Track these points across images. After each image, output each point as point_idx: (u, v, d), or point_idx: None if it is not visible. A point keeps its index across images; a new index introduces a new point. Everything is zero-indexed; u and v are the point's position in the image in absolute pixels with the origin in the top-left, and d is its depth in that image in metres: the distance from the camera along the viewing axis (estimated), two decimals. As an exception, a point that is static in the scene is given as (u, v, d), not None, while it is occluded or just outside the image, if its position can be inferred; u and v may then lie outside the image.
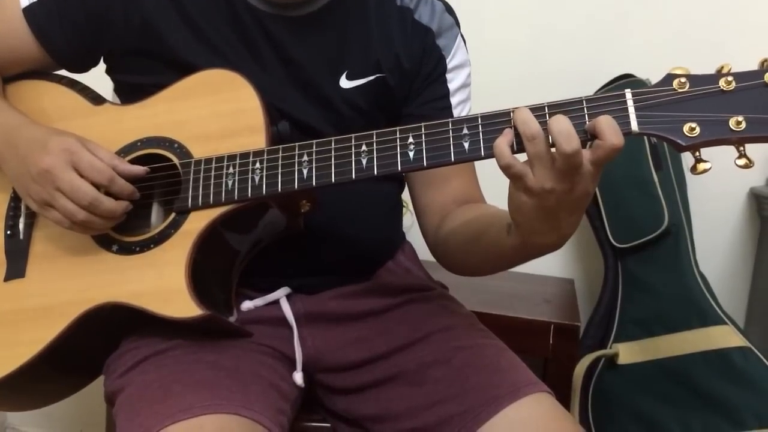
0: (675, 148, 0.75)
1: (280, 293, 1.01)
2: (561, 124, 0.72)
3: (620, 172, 1.56)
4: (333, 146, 0.85)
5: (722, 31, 1.65)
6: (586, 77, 1.63)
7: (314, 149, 0.86)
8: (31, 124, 0.95)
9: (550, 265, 1.73)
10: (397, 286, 1.06)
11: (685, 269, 1.52)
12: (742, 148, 0.74)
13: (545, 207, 0.75)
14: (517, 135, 0.75)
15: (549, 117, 0.74)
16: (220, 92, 0.93)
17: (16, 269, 0.96)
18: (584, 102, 0.76)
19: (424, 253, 1.10)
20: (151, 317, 0.87)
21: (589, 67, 1.67)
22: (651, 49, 1.67)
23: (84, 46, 1.00)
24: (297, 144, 0.87)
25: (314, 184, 0.85)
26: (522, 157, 0.75)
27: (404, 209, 1.16)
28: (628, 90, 0.76)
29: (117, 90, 1.07)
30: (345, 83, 0.99)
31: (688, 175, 1.58)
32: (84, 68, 1.05)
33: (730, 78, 0.73)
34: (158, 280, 0.88)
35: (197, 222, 0.89)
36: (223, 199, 0.89)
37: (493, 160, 0.77)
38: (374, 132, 0.84)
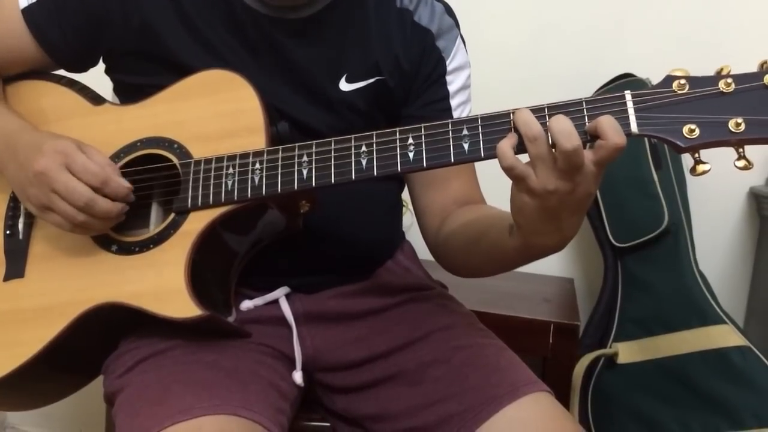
0: (674, 149, 0.75)
1: (280, 293, 1.01)
2: (561, 124, 0.72)
3: (620, 171, 1.56)
4: (333, 147, 0.85)
5: (722, 33, 1.64)
6: (586, 78, 1.63)
7: (314, 150, 0.86)
8: (30, 129, 0.95)
9: (550, 265, 1.73)
10: (396, 285, 1.06)
11: (685, 269, 1.52)
12: (741, 150, 0.74)
13: (547, 208, 0.75)
14: (518, 136, 0.75)
15: (549, 118, 0.74)
16: (219, 92, 0.93)
17: (16, 269, 0.96)
18: (584, 103, 0.76)
19: (423, 252, 1.10)
20: (151, 317, 0.87)
21: (589, 67, 1.67)
22: (651, 49, 1.67)
23: (83, 46, 1.00)
24: (297, 144, 0.87)
25: (314, 184, 0.85)
26: (524, 158, 0.75)
27: (404, 209, 1.16)
28: (628, 91, 0.76)
29: (116, 90, 1.06)
30: (345, 86, 0.99)
31: (687, 174, 1.58)
32: (83, 68, 1.05)
33: (729, 80, 0.73)
34: (157, 281, 0.88)
35: (197, 222, 0.89)
36: (223, 200, 0.89)
37: (493, 162, 0.77)
38: (374, 132, 0.84)
